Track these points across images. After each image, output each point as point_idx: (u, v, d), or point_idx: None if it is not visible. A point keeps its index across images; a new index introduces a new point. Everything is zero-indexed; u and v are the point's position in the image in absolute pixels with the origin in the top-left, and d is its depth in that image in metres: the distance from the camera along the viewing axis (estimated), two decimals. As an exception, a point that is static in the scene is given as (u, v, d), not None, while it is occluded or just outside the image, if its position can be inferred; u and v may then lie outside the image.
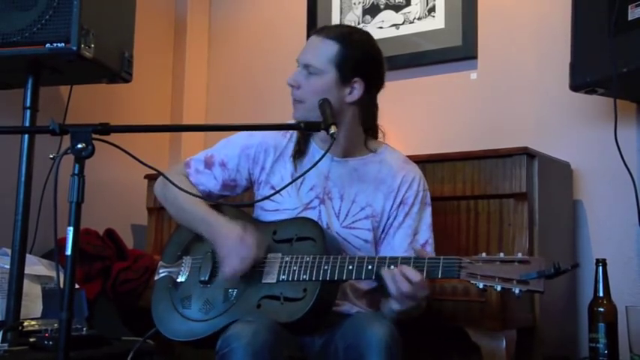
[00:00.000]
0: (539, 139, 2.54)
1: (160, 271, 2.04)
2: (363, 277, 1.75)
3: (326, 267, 1.76)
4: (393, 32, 3.03)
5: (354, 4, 3.14)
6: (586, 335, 2.10)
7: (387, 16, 3.05)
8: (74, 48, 2.18)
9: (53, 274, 2.46)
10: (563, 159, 2.51)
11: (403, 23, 3.02)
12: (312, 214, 1.94)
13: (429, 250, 1.94)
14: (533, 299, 2.19)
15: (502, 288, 1.61)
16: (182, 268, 1.99)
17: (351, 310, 1.92)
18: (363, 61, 1.91)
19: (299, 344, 1.90)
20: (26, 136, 2.34)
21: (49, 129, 1.51)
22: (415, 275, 1.67)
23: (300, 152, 2.01)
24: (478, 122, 2.81)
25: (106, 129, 1.54)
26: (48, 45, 2.19)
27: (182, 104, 3.58)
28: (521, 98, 2.74)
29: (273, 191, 1.94)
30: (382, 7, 3.07)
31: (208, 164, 2.06)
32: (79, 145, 1.47)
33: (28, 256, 2.36)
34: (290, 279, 1.80)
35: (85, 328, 2.28)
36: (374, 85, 1.96)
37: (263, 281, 1.83)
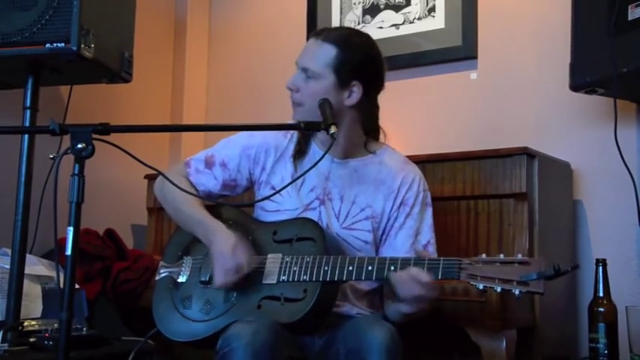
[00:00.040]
0: (539, 139, 2.54)
1: (161, 271, 2.04)
2: (363, 278, 1.75)
3: (326, 267, 1.76)
4: (393, 32, 3.03)
5: (354, 4, 3.14)
6: (586, 335, 2.10)
7: (387, 16, 3.05)
8: (74, 48, 2.17)
9: (53, 274, 2.46)
10: (563, 159, 2.51)
11: (403, 23, 3.02)
12: (312, 215, 1.94)
13: (431, 251, 1.94)
14: (533, 299, 2.18)
15: (502, 289, 1.61)
16: (183, 269, 1.99)
17: (351, 311, 1.92)
18: (362, 65, 1.91)
19: (299, 344, 1.90)
20: (26, 136, 2.34)
21: (49, 129, 1.51)
22: (425, 277, 1.67)
23: (300, 153, 2.01)
24: (478, 122, 2.81)
25: (106, 129, 1.54)
26: (48, 45, 2.19)
27: (182, 104, 3.58)
28: (521, 98, 2.74)
29: (273, 192, 1.94)
30: (382, 7, 3.07)
31: (209, 164, 2.06)
32: (79, 145, 1.47)
33: (28, 256, 2.35)
34: (290, 279, 1.80)
35: (85, 328, 2.28)
36: (373, 87, 1.95)
37: (263, 282, 1.83)
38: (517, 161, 2.23)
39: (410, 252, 1.90)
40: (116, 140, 1.54)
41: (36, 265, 2.46)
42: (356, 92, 1.90)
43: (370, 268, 1.74)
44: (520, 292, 1.59)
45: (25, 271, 2.30)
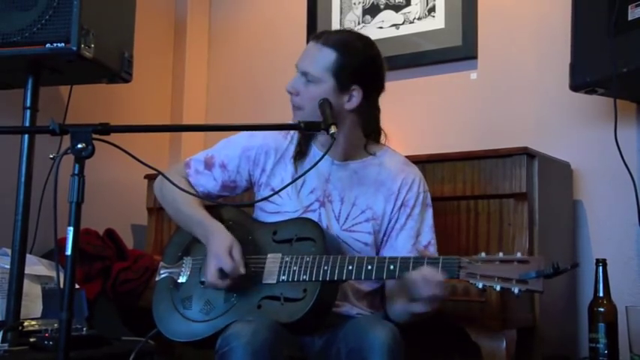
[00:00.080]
0: (539, 139, 2.54)
1: (161, 271, 2.04)
2: (362, 277, 1.75)
3: (326, 267, 1.76)
4: (393, 32, 3.03)
5: (354, 4, 3.14)
6: (586, 335, 2.10)
7: (387, 16, 3.05)
8: (74, 48, 2.17)
9: (53, 274, 2.46)
10: (563, 159, 2.52)
11: (403, 23, 3.02)
12: (312, 217, 1.94)
13: (432, 251, 1.94)
14: (533, 299, 2.19)
15: (501, 288, 1.61)
16: (183, 269, 1.99)
17: (351, 311, 1.92)
18: (361, 69, 1.90)
19: (299, 344, 1.90)
20: (26, 136, 2.34)
21: (49, 129, 1.51)
22: (440, 276, 1.66)
23: (301, 154, 2.00)
24: (478, 122, 2.81)
25: (106, 129, 1.54)
26: (48, 45, 2.19)
27: (182, 104, 3.58)
28: (521, 98, 2.74)
29: (272, 193, 1.93)
30: (382, 7, 3.07)
31: (208, 165, 2.06)
32: (79, 145, 1.47)
33: (28, 256, 2.35)
34: (290, 279, 1.80)
35: (85, 328, 2.28)
36: (373, 91, 1.95)
37: (263, 282, 1.83)
38: (517, 161, 2.23)
39: (411, 252, 1.89)
40: (116, 140, 1.54)
41: (36, 265, 2.46)
42: (356, 96, 1.90)
43: (370, 267, 1.74)
44: (519, 290, 1.59)
45: (25, 271, 2.30)
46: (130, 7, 2.55)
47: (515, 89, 2.76)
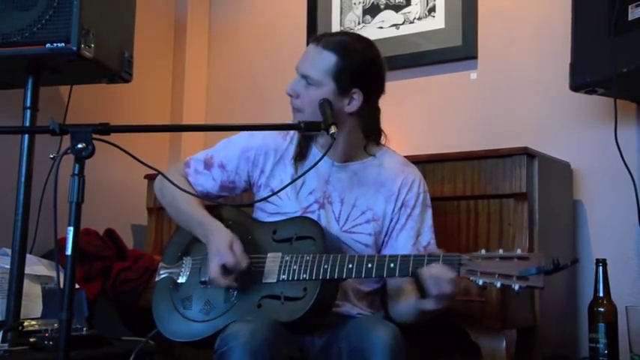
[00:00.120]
0: (539, 139, 2.54)
1: (161, 272, 2.04)
2: (363, 276, 1.75)
3: (326, 266, 1.76)
4: (393, 32, 3.03)
5: (354, 4, 3.14)
6: (586, 335, 2.10)
7: (387, 16, 3.05)
8: (74, 48, 2.17)
9: (53, 274, 2.46)
10: (563, 159, 2.52)
11: (403, 23, 3.02)
12: (311, 218, 1.94)
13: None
14: (534, 299, 2.19)
15: (502, 284, 1.61)
16: (182, 269, 1.99)
17: (352, 311, 1.92)
18: (362, 72, 1.90)
19: (299, 344, 1.90)
20: (26, 136, 2.34)
21: (49, 129, 1.51)
22: (450, 273, 1.65)
23: (301, 155, 2.00)
24: (478, 122, 2.81)
25: (106, 129, 1.54)
26: (48, 45, 2.18)
27: (182, 104, 3.58)
28: (521, 98, 2.74)
29: (272, 194, 1.93)
30: (382, 7, 3.07)
31: (207, 165, 2.06)
32: (79, 145, 1.47)
33: (28, 256, 2.35)
34: (290, 278, 1.80)
35: (85, 328, 2.28)
36: (373, 93, 1.95)
37: (263, 281, 1.84)
38: (517, 161, 2.23)
39: (411, 253, 1.89)
40: (116, 140, 1.54)
41: (36, 265, 2.46)
42: (356, 99, 1.90)
43: (370, 265, 1.74)
44: (520, 287, 1.59)
45: (25, 271, 2.30)
46: (130, 7, 2.55)
47: (515, 89, 2.76)
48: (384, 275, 1.75)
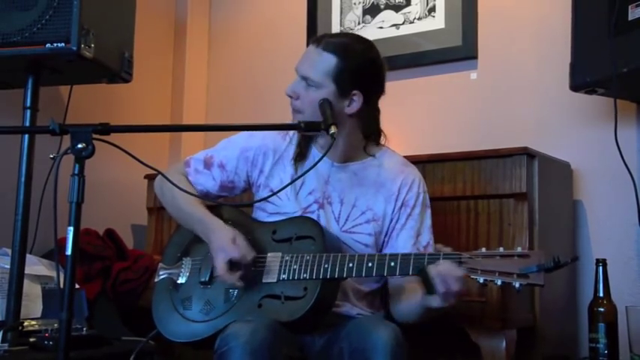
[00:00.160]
0: (539, 139, 2.54)
1: (160, 272, 2.04)
2: (363, 275, 1.75)
3: (326, 265, 1.76)
4: (393, 32, 3.03)
5: (354, 4, 3.14)
6: (586, 335, 2.10)
7: (387, 16, 3.05)
8: (74, 48, 2.17)
9: (53, 274, 2.46)
10: (563, 159, 2.52)
11: (403, 23, 3.02)
12: (310, 218, 1.94)
13: (431, 252, 1.94)
14: (534, 299, 2.19)
15: (502, 282, 1.61)
16: (182, 270, 1.99)
17: (352, 311, 1.92)
18: (362, 74, 1.90)
19: (299, 344, 1.90)
20: (26, 136, 2.34)
21: (49, 129, 1.51)
22: (459, 271, 1.65)
23: (300, 155, 2.00)
24: (478, 122, 2.81)
25: (106, 129, 1.54)
26: (48, 45, 2.18)
27: (182, 104, 3.58)
28: (521, 98, 2.74)
29: (271, 194, 1.93)
30: (382, 7, 3.07)
31: (207, 164, 2.06)
32: (79, 145, 1.47)
33: (28, 256, 2.35)
34: (290, 278, 1.80)
35: (85, 328, 2.28)
36: (373, 94, 1.95)
37: (263, 281, 1.84)
38: (517, 161, 2.23)
39: (412, 252, 1.89)
40: (116, 140, 1.54)
41: (36, 265, 2.46)
42: (356, 101, 1.90)
43: (370, 264, 1.74)
44: (520, 284, 1.59)
45: (25, 271, 2.30)
46: (130, 7, 2.55)
47: (515, 89, 2.76)
48: (385, 274, 1.75)
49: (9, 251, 2.34)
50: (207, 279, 1.91)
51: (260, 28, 3.51)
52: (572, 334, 2.46)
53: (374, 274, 1.75)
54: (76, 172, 1.48)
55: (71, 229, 1.46)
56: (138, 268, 2.75)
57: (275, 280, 1.82)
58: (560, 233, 2.45)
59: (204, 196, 2.03)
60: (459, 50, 2.86)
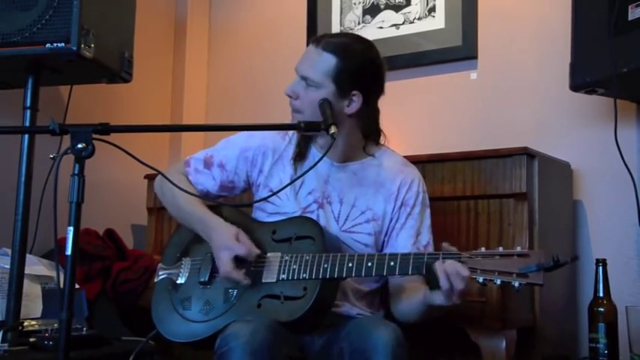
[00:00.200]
0: (539, 139, 2.54)
1: (160, 273, 2.04)
2: (363, 274, 1.75)
3: (326, 265, 1.76)
4: (393, 32, 3.03)
5: (354, 4, 3.14)
6: (586, 335, 2.10)
7: (387, 16, 3.05)
8: (74, 48, 2.17)
9: (53, 274, 2.46)
10: (563, 159, 2.52)
11: (403, 23, 3.02)
12: (310, 218, 1.94)
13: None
14: (534, 299, 2.19)
15: (502, 282, 1.61)
16: (182, 270, 1.99)
17: (351, 311, 1.92)
18: (362, 74, 1.90)
19: (299, 344, 1.91)
20: (26, 136, 2.34)
21: (49, 129, 1.51)
22: (465, 270, 1.64)
23: (300, 155, 2.00)
24: (478, 122, 2.81)
25: (106, 129, 1.54)
26: (48, 45, 2.18)
27: (182, 104, 3.58)
28: (521, 98, 2.74)
29: (271, 194, 1.93)
30: (382, 7, 3.07)
31: (207, 164, 2.06)
32: (79, 145, 1.47)
33: (28, 256, 2.35)
34: (290, 278, 1.80)
35: (85, 328, 2.28)
36: (373, 95, 1.95)
37: (263, 281, 1.83)
38: (517, 161, 2.23)
39: (412, 252, 1.89)
40: (116, 140, 1.54)
41: (36, 265, 2.46)
42: (356, 101, 1.90)
43: (370, 264, 1.74)
44: (520, 284, 1.59)
45: (25, 271, 2.30)
46: (130, 7, 2.55)
47: (515, 89, 2.76)
48: (384, 274, 1.75)
49: (9, 251, 2.34)
50: (206, 279, 1.91)
51: (260, 28, 3.51)
52: (572, 334, 2.46)
53: (373, 274, 1.75)
54: (76, 172, 1.48)
55: (71, 229, 1.46)
56: (138, 268, 2.75)
57: (274, 280, 1.82)
58: (560, 233, 2.45)
59: (205, 196, 2.03)
60: (459, 50, 2.86)
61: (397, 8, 3.04)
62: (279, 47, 3.36)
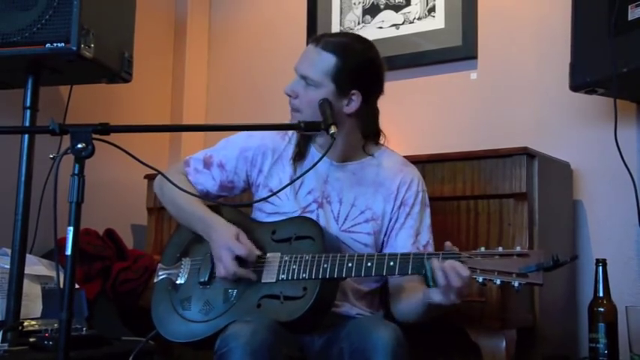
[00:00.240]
0: (539, 139, 2.54)
1: (160, 273, 2.04)
2: (362, 274, 1.75)
3: (325, 265, 1.76)
4: (393, 32, 3.03)
5: (354, 4, 3.14)
6: (586, 335, 2.10)
7: (387, 16, 3.05)
8: (74, 48, 2.17)
9: (53, 274, 2.46)
10: (563, 159, 2.52)
11: (403, 23, 3.02)
12: (309, 218, 1.94)
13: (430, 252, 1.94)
14: (533, 299, 2.19)
15: (501, 281, 1.61)
16: (181, 270, 1.99)
17: (351, 311, 1.92)
18: (361, 74, 1.90)
19: (299, 344, 1.90)
20: (26, 136, 2.34)
21: (49, 129, 1.51)
22: (465, 270, 1.64)
23: (300, 155, 2.00)
24: (478, 122, 2.81)
25: (105, 129, 1.54)
26: (48, 45, 2.18)
27: (182, 104, 3.58)
28: (521, 98, 2.74)
29: (270, 194, 1.93)
30: (382, 7, 3.07)
31: (207, 164, 2.06)
32: (79, 145, 1.47)
33: (28, 256, 2.35)
34: (290, 278, 1.80)
35: (84, 328, 2.28)
36: (372, 94, 1.95)
37: (263, 281, 1.83)
38: (517, 161, 2.23)
39: (412, 251, 1.89)
40: (116, 140, 1.54)
41: (36, 265, 2.46)
42: (355, 101, 1.90)
43: (370, 264, 1.74)
44: (519, 284, 1.59)
45: (25, 271, 2.30)
46: (130, 7, 2.55)
47: (515, 89, 2.76)
48: (384, 274, 1.75)
49: (9, 251, 2.34)
50: (206, 279, 1.91)
51: (260, 28, 3.51)
52: (572, 334, 2.46)
53: (373, 274, 1.75)
54: (76, 172, 1.48)
55: (71, 229, 1.46)
56: (138, 268, 2.75)
57: (274, 280, 1.82)
58: (560, 233, 2.45)
59: (204, 196, 2.04)
60: (459, 50, 2.86)
61: (397, 8, 3.04)
62: (279, 47, 3.36)
